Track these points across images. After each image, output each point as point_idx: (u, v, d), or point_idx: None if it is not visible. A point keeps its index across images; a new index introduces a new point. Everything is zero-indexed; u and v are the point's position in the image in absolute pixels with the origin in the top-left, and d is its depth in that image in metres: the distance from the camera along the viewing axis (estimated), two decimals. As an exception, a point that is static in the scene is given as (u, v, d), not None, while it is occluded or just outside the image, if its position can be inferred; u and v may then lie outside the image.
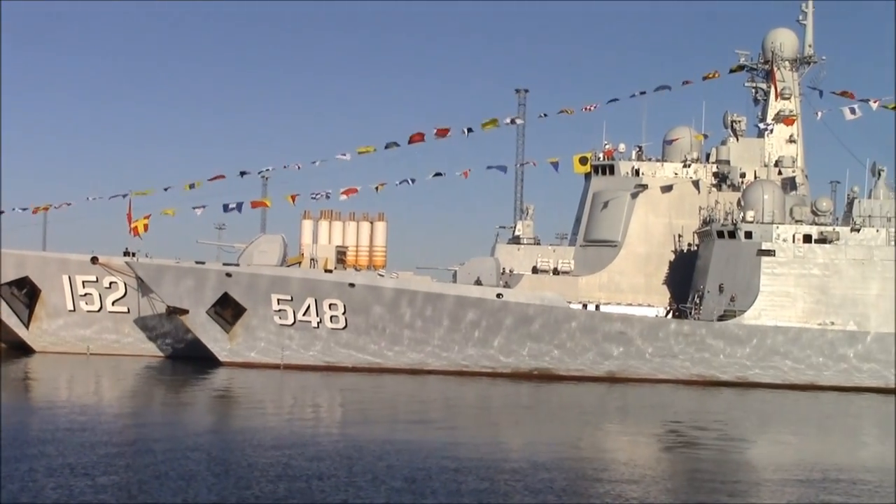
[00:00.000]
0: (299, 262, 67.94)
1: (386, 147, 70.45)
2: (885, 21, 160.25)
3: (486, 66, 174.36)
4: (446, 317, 65.75)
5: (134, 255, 66.72)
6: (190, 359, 68.27)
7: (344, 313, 65.90)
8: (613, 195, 71.95)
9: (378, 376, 63.72)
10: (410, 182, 69.83)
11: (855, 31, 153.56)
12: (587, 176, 74.08)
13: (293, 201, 70.16)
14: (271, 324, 66.43)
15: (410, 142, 70.31)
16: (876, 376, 64.42)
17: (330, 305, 65.84)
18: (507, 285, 68.85)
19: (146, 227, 68.16)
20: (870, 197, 67.19)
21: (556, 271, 71.34)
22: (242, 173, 71.34)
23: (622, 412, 52.81)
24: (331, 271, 66.68)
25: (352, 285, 65.57)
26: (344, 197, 69.00)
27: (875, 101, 69.71)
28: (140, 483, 28.54)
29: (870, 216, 65.84)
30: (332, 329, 66.27)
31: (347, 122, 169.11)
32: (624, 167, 72.53)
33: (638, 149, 73.29)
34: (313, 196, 69.16)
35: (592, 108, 72.53)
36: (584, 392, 60.01)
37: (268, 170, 77.00)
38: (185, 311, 66.49)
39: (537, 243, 73.96)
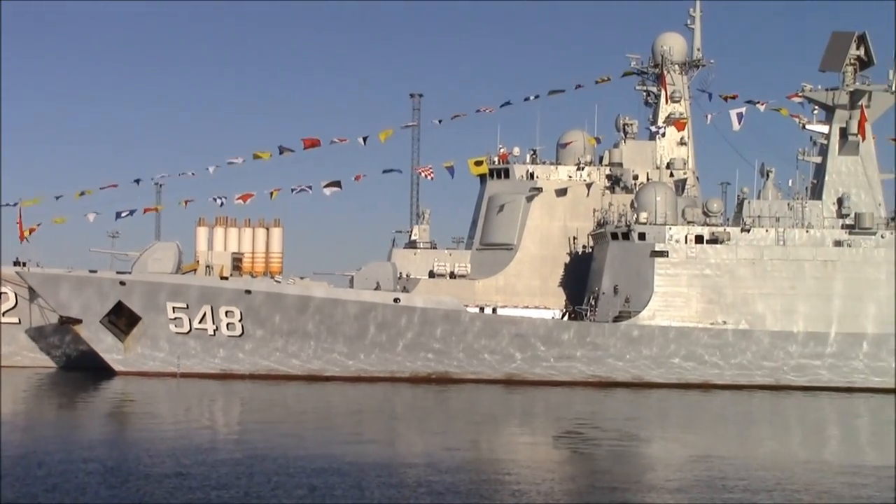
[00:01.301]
0: (194, 270, 67.29)
1: (280, 153, 70.12)
2: (771, 24, 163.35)
3: (381, 70, 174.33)
4: (344, 322, 65.62)
5: (24, 264, 65.62)
6: (84, 369, 67.25)
7: (241, 320, 65.48)
8: (508, 199, 72.40)
9: (276, 383, 63.35)
10: (308, 189, 69.51)
11: (743, 35, 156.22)
12: (482, 180, 74.44)
13: (185, 205, 69.65)
14: (167, 332, 65.75)
15: (305, 147, 70.09)
16: (768, 374, 65.56)
17: (226, 313, 65.36)
18: (406, 290, 68.90)
19: (31, 231, 67.02)
20: (759, 198, 68.42)
21: (452, 275, 71.57)
22: (136, 181, 70.61)
23: (521, 415, 53.10)
24: (227, 278, 66.19)
25: (248, 292, 65.18)
26: (240, 202, 68.54)
27: (762, 104, 71.02)
28: (31, 496, 28.03)
29: (759, 216, 67.04)
30: (229, 336, 65.80)
31: (242, 128, 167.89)
32: (519, 171, 73.01)
33: (532, 152, 73.84)
34: (213, 199, 68.70)
35: (487, 111, 72.97)
36: (483, 395, 60.24)
37: (161, 176, 76.22)
38: (79, 321, 65.54)
39: (434, 247, 74.15)
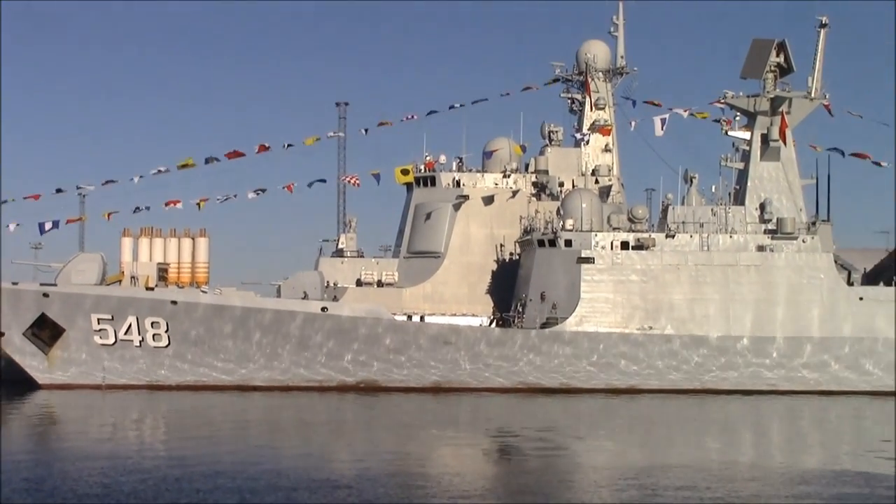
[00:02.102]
0: (119, 281, 66.71)
1: (206, 162, 69.89)
2: (693, 31, 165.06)
3: (306, 79, 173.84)
4: (271, 332, 65.38)
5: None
6: (7, 382, 66.36)
7: (167, 331, 65.01)
8: (435, 206, 72.53)
9: (203, 394, 62.96)
10: (234, 197, 69.34)
11: (666, 42, 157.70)
12: (409, 188, 74.53)
13: (108, 217, 69.09)
14: (91, 344, 65.13)
15: (230, 157, 69.94)
16: (694, 378, 66.19)
17: (152, 324, 64.89)
18: (335, 299, 68.77)
19: None
20: (683, 203, 69.11)
21: (380, 283, 71.51)
22: (59, 190, 69.93)
23: (448, 422, 53.17)
24: (152, 289, 65.69)
25: (174, 303, 64.76)
26: (166, 207, 68.25)
27: (685, 111, 71.77)
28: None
29: (683, 222, 67.68)
30: (155, 347, 65.31)
31: (167, 138, 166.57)
32: (445, 178, 73.17)
33: (458, 160, 74.06)
34: (136, 209, 68.24)
35: (412, 118, 73.13)
36: (411, 403, 60.26)
37: (85, 186, 75.43)
38: (1, 334, 64.73)
39: (361, 256, 74.09)
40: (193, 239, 68.86)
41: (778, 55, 69.57)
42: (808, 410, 59.59)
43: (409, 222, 73.54)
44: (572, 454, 41.64)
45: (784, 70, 69.80)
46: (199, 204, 69.21)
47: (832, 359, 66.33)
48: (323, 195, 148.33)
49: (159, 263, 67.95)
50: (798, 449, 44.57)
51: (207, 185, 77.89)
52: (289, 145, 70.95)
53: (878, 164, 72.82)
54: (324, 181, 72.83)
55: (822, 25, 69.11)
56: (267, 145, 70.41)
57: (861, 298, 66.72)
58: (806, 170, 70.27)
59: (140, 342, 65.15)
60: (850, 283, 68.35)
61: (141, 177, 69.39)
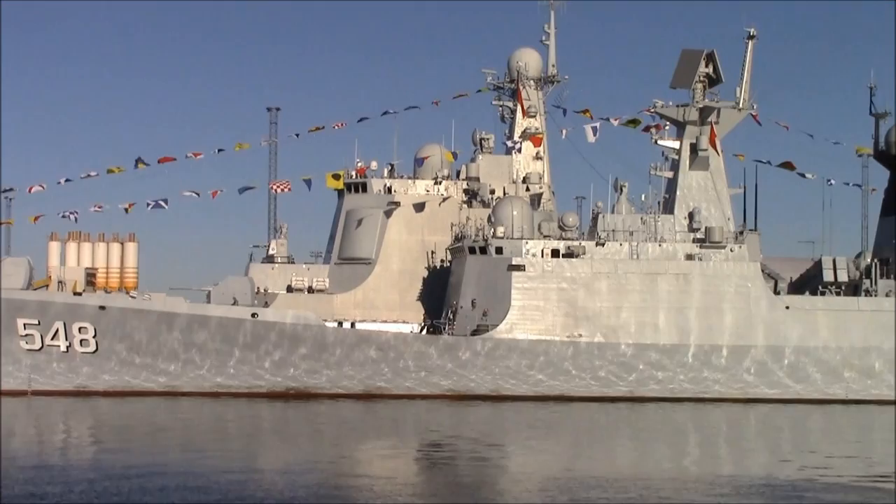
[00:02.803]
0: (47, 285, 65.95)
1: (136, 166, 69.51)
2: (624, 41, 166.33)
3: (237, 84, 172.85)
4: (201, 338, 64.96)
5: None
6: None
7: (95, 336, 64.42)
8: (366, 213, 72.49)
9: (132, 400, 62.44)
10: (164, 204, 68.87)
11: (597, 51, 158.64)
12: (340, 194, 74.40)
13: (35, 221, 68.43)
14: (17, 349, 64.34)
15: (160, 162, 69.62)
16: (625, 386, 66.62)
17: (80, 329, 64.26)
18: (266, 305, 68.48)
19: None
20: (613, 212, 69.60)
21: (310, 290, 71.29)
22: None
23: (379, 429, 53.11)
24: (80, 294, 65.04)
25: (102, 308, 64.18)
26: (94, 209, 67.69)
27: (616, 119, 72.35)
28: None
29: (613, 230, 68.17)
30: (83, 353, 64.68)
31: (96, 141, 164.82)
32: (376, 185, 73.14)
33: (390, 167, 74.04)
34: (63, 215, 67.61)
35: (343, 126, 73.19)
36: (342, 410, 60.15)
37: (11, 189, 74.50)
38: (-76, 339, 63.78)
39: (292, 262, 73.83)
40: (122, 244, 68.19)
41: (707, 66, 70.33)
42: (727, 417, 60.21)
43: (340, 228, 73.42)
44: (501, 461, 41.74)
45: (713, 80, 70.58)
46: (126, 208, 68.75)
47: (759, 366, 67.07)
48: (254, 200, 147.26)
49: (87, 268, 67.22)
50: (715, 455, 44.98)
51: (137, 189, 77.45)
52: (219, 150, 70.81)
53: (803, 175, 73.91)
54: (253, 188, 72.83)
55: (750, 37, 70.01)
56: (197, 153, 70.24)
57: (788, 307, 67.59)
58: (734, 179, 71.22)
59: (67, 347, 64.50)
60: (776, 292, 69.21)
61: (69, 180, 68.88)
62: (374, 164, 73.78)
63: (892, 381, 67.65)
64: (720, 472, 38.28)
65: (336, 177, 73.20)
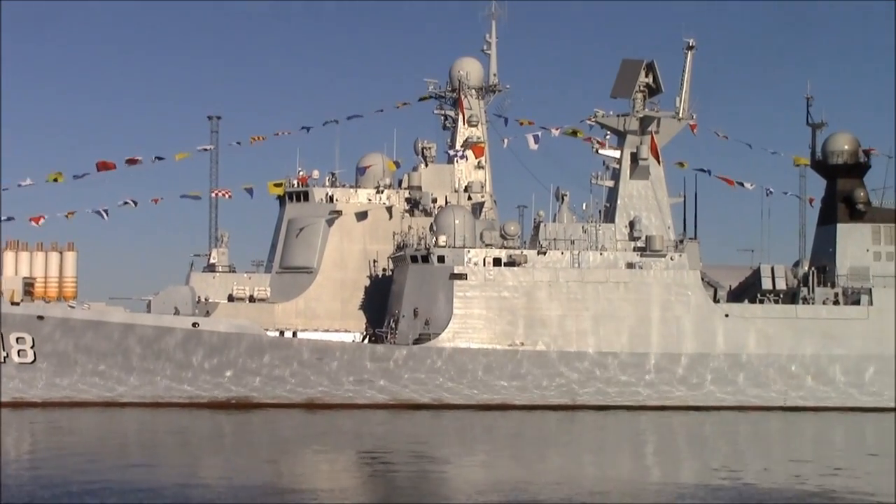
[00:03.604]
0: (-17, 296, 65.26)
1: (74, 178, 69.23)
2: (565, 51, 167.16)
3: (178, 92, 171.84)
4: (141, 347, 64.50)
5: None
6: None
7: (32, 347, 63.75)
8: (308, 222, 72.32)
9: (71, 411, 61.88)
10: (104, 213, 68.43)
11: (538, 61, 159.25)
12: (282, 202, 74.21)
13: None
14: (-46, 360, 63.62)
15: (99, 169, 69.16)
16: (566, 394, 66.83)
17: (17, 339, 63.59)
18: (207, 314, 68.12)
19: None
20: (555, 221, 69.87)
21: (252, 299, 70.98)
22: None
23: (321, 438, 52.98)
24: (18, 303, 64.40)
25: (40, 318, 63.54)
26: (33, 224, 67.09)
27: (557, 129, 72.70)
28: None
29: (555, 239, 68.43)
30: (20, 364, 64.00)
31: (34, 149, 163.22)
32: (318, 194, 72.98)
33: (332, 175, 73.93)
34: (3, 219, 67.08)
35: (285, 134, 73.10)
36: (283, 419, 59.95)
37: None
38: None
39: (233, 271, 73.47)
40: (61, 253, 67.64)
41: (647, 76, 70.82)
42: (678, 425, 60.65)
43: (282, 237, 73.19)
44: (443, 469, 41.78)
45: (653, 90, 71.08)
46: (66, 216, 68.29)
47: (701, 375, 67.55)
48: (195, 209, 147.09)
49: (25, 278, 66.59)
50: (660, 462, 45.29)
51: (76, 197, 76.85)
52: (158, 158, 70.52)
53: (741, 184, 74.57)
54: (197, 198, 72.49)
55: (690, 47, 70.62)
56: (136, 159, 69.88)
57: (727, 315, 68.14)
58: (674, 188, 71.72)
59: (5, 358, 63.81)
60: (716, 300, 69.77)
61: (6, 189, 68.30)
62: (315, 173, 73.64)
63: (836, 389, 68.42)
64: (647, 480, 38.64)
65: (278, 185, 73.06)
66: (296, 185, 73.27)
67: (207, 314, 68.17)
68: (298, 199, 73.18)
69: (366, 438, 52.49)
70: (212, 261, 73.87)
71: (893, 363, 68.16)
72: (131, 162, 69.76)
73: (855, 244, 71.71)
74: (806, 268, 71.55)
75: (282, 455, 45.38)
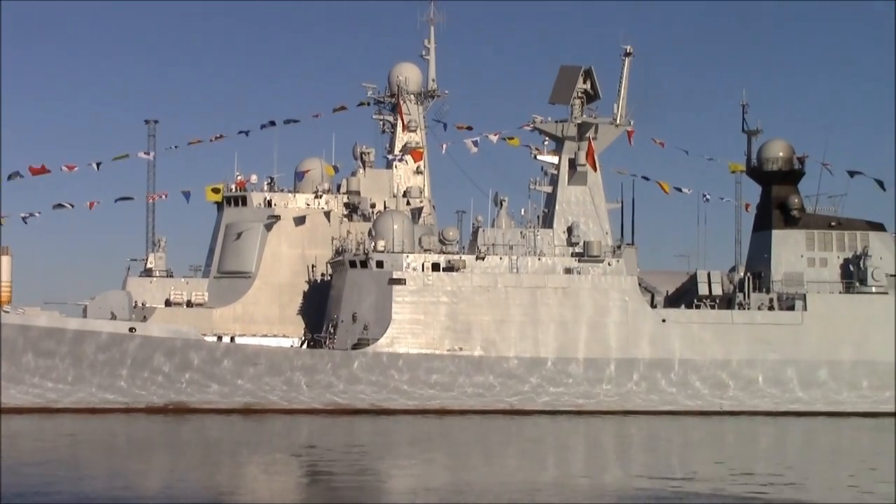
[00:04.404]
0: (-85, 301, 64.47)
1: (9, 178, 68.60)
2: (503, 56, 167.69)
3: (114, 96, 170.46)
4: (76, 353, 63.96)
5: None
6: None
7: (-34, 352, 63.10)
8: (246, 226, 72.05)
9: (6, 417, 61.14)
10: (27, 218, 68.05)
11: (477, 66, 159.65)
12: (219, 207, 73.89)
13: None
14: None
15: (34, 173, 68.60)
16: (502, 399, 67.03)
17: (-50, 345, 62.91)
18: (144, 319, 67.66)
19: None
20: (493, 226, 70.08)
21: (189, 304, 70.62)
22: None
23: (258, 444, 52.75)
24: (-49, 309, 63.72)
25: (-26, 323, 62.90)
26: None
27: (495, 135, 72.92)
28: None
29: (493, 244, 68.65)
30: (-47, 369, 63.29)
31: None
32: (256, 198, 72.74)
33: (270, 180, 73.71)
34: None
35: (223, 138, 72.90)
36: (220, 425, 59.66)
37: None
38: None
39: (170, 276, 73.03)
40: (-5, 257, 66.90)
41: (585, 82, 71.22)
42: (608, 430, 60.99)
43: (220, 242, 72.86)
44: (380, 475, 41.78)
45: (591, 97, 71.49)
46: (-1, 221, 67.67)
47: (636, 380, 67.97)
48: (131, 213, 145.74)
49: (-42, 282, 65.84)
50: (590, 466, 45.56)
51: (9, 201, 75.95)
52: (94, 163, 70.11)
53: (679, 189, 75.15)
54: (132, 199, 72.23)
55: (627, 54, 71.13)
56: (72, 165, 69.55)
57: (664, 320, 68.65)
58: (612, 194, 72.14)
59: (-63, 364, 63.07)
60: (653, 306, 70.27)
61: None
62: (253, 178, 73.43)
63: (770, 394, 69.12)
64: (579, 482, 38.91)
65: (216, 190, 72.80)
66: (234, 190, 73.01)
67: (144, 319, 67.72)
68: (236, 204, 72.92)
69: (302, 444, 52.29)
70: (149, 265, 73.44)
71: (826, 368, 69.19)
72: (69, 168, 69.44)
73: (789, 250, 72.46)
74: (742, 273, 72.17)
75: (217, 461, 45.11)
